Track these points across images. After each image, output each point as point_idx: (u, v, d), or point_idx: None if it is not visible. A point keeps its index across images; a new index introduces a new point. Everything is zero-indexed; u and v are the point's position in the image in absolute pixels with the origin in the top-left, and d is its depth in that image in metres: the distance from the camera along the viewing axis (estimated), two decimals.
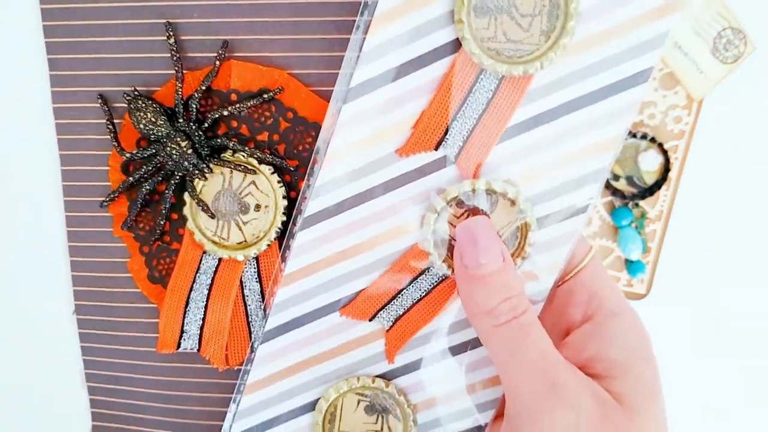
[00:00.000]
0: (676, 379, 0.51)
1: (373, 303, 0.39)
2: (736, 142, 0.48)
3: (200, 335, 0.42)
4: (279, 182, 0.40)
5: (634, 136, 0.46)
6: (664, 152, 0.46)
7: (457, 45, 0.35)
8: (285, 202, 0.40)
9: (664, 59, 0.45)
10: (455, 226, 0.37)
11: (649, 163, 0.47)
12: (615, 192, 0.47)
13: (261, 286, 0.41)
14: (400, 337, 0.40)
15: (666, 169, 0.46)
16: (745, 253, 0.50)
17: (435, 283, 0.39)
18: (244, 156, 0.39)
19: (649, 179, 0.47)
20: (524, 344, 0.33)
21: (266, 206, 0.40)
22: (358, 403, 0.41)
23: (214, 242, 0.40)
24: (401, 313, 0.40)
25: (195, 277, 0.41)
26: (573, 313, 0.37)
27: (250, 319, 0.42)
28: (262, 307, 0.41)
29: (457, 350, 0.40)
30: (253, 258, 0.41)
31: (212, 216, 0.40)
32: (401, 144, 0.37)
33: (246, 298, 0.41)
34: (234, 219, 0.40)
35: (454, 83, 0.36)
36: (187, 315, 0.42)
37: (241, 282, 0.41)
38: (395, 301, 0.39)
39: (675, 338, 0.51)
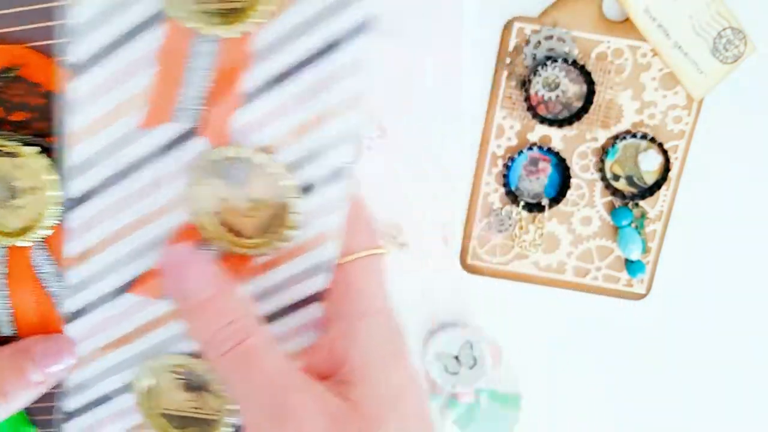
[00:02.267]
0: (676, 379, 0.52)
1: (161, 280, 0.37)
2: (736, 142, 0.48)
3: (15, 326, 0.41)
4: (47, 162, 0.37)
5: (634, 136, 0.45)
6: (664, 152, 0.46)
7: None
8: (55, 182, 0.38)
9: (664, 59, 0.43)
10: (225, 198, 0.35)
11: (649, 163, 0.46)
12: (615, 192, 0.46)
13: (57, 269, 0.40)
14: None
15: (666, 169, 0.46)
16: (745, 252, 0.50)
17: (217, 258, 0.37)
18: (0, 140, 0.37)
19: (649, 179, 0.47)
20: (251, 371, 0.30)
21: (38, 188, 0.38)
22: (175, 381, 0.40)
23: None
24: None
25: None
26: (335, 309, 0.34)
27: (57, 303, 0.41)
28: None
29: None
30: (41, 241, 0.39)
31: None
32: (144, 118, 0.34)
33: (45, 282, 0.40)
34: (6, 205, 0.39)
35: (173, 50, 0.32)
36: None
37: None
38: None
39: (675, 338, 0.51)
